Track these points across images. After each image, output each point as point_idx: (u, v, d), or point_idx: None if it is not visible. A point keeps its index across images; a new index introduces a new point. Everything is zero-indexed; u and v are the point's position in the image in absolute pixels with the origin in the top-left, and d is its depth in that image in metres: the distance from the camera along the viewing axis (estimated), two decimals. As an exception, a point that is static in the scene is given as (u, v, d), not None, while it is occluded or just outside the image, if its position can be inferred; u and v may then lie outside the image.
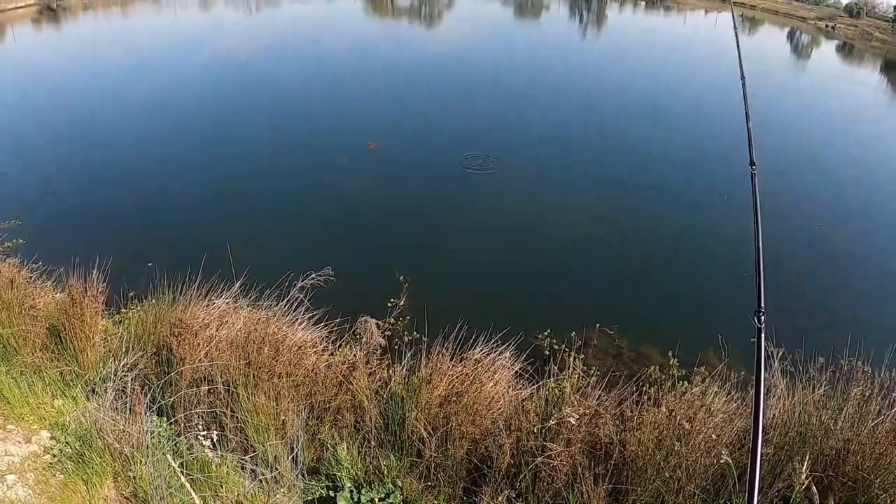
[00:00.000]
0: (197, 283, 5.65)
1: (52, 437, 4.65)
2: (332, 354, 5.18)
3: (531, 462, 4.04)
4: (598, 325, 7.58)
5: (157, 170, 13.49)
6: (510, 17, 41.29)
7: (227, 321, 5.02)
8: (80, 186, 12.72)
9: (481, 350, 4.88)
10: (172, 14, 37.38)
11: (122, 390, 4.55)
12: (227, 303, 5.35)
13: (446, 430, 4.17)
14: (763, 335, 2.31)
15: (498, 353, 4.97)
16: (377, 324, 5.51)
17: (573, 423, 3.89)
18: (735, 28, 5.01)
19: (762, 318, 2.36)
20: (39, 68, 22.98)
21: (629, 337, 8.00)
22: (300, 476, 4.18)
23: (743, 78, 4.00)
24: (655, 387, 4.94)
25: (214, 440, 4.02)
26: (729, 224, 11.93)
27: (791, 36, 38.41)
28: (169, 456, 3.74)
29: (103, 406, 4.13)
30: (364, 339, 5.18)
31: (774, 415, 4.54)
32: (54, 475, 4.17)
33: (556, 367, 5.03)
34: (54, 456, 4.37)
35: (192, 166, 13.91)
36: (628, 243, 11.12)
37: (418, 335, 5.70)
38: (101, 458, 3.87)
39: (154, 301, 5.72)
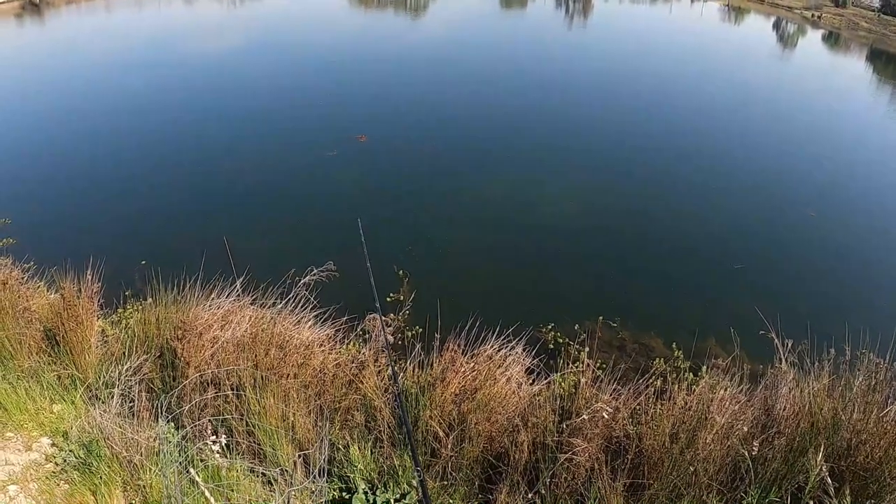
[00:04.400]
0: (196, 281, 5.54)
1: (53, 445, 4.53)
2: (339, 353, 5.09)
3: (549, 458, 3.99)
4: (600, 318, 7.53)
5: (146, 166, 13.33)
6: (496, 7, 41.10)
7: (231, 321, 4.91)
8: (69, 184, 12.56)
9: (492, 345, 4.81)
10: (156, 8, 36.89)
11: (125, 395, 4.44)
12: (231, 302, 5.24)
13: (462, 429, 4.11)
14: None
15: (509, 348, 4.90)
16: (385, 321, 5.43)
17: (606, 417, 3.84)
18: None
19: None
20: (25, 64, 22.65)
21: (631, 328, 7.99)
22: (312, 478, 4.09)
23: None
24: (666, 379, 4.90)
25: (223, 444, 3.93)
26: (723, 213, 11.97)
27: (777, 25, 38.54)
28: (180, 463, 3.64)
29: (109, 413, 4.02)
30: (373, 338, 5.09)
31: (785, 407, 4.51)
32: (58, 485, 4.05)
33: (564, 362, 4.98)
34: (57, 465, 4.25)
35: (181, 162, 13.74)
36: (625, 233, 11.10)
37: (422, 330, 5.61)
38: (109, 467, 3.76)
39: (153, 301, 5.59)
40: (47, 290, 7.02)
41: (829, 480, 3.75)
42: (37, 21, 32.11)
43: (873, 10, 40.00)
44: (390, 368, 4.31)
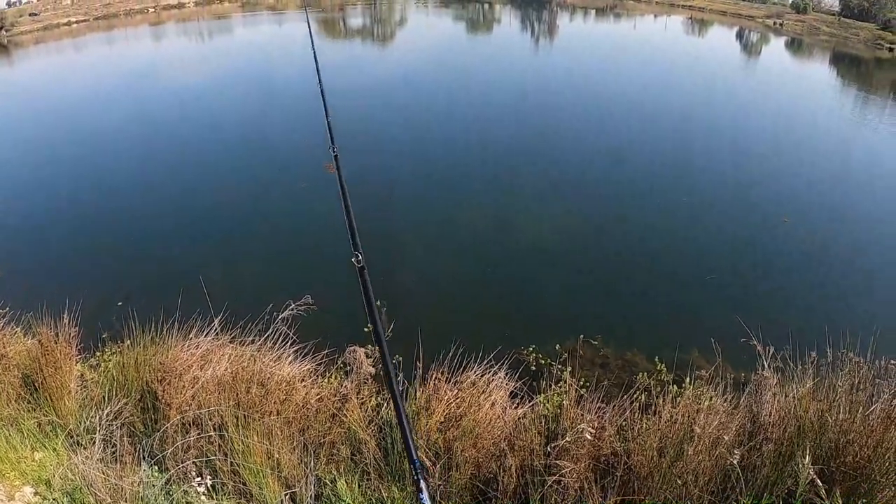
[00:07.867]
0: (174, 320, 5.48)
1: (36, 493, 4.44)
2: (321, 387, 5.05)
3: (537, 481, 3.97)
4: (581, 336, 7.55)
5: (116, 206, 13.18)
6: (462, 33, 41.46)
7: (210, 360, 4.86)
8: (40, 227, 12.36)
9: (475, 371, 4.79)
10: (125, 46, 36.83)
11: (107, 440, 4.37)
12: (210, 341, 5.19)
13: (449, 457, 4.08)
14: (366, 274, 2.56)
15: (492, 372, 4.89)
16: (365, 353, 5.41)
17: (589, 438, 3.83)
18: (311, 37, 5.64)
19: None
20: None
21: (613, 345, 8.00)
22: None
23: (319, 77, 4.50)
24: (651, 393, 4.90)
25: (209, 486, 3.87)
26: (697, 225, 12.10)
27: (741, 35, 39.35)
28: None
29: (91, 459, 3.95)
30: (354, 370, 5.06)
31: (771, 412, 4.52)
32: (42, 536, 3.97)
33: (547, 382, 4.97)
34: (40, 514, 4.17)
35: (152, 200, 13.59)
36: (600, 252, 11.16)
37: (402, 359, 5.58)
38: (93, 515, 3.70)
39: (131, 343, 5.53)
40: (24, 336, 6.90)
41: (819, 482, 3.76)
42: (4, 61, 31.94)
43: (833, 14, 40.97)
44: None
